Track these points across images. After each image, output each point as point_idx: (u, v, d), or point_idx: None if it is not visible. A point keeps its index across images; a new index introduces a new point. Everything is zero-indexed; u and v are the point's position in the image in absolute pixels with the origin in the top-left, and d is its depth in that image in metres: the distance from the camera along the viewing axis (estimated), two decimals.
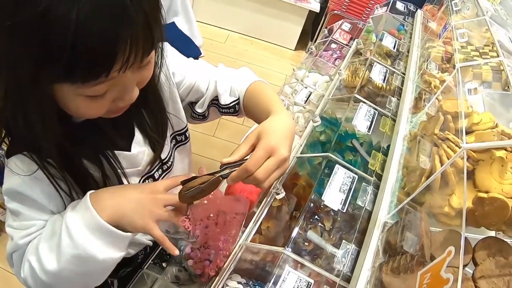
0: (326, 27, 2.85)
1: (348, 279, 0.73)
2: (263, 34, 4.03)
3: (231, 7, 3.83)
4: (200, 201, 0.73)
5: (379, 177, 0.93)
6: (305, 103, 1.68)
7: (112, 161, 0.72)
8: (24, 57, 0.48)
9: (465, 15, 1.24)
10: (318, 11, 3.75)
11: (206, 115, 0.92)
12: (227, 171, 0.68)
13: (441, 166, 0.73)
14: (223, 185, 1.01)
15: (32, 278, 0.64)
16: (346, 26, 2.39)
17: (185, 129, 0.92)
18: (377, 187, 0.91)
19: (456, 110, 0.81)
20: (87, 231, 0.60)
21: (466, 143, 0.63)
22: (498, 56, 0.88)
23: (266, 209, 0.85)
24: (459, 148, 0.70)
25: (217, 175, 0.67)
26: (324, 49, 2.15)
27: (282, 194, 0.86)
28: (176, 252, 0.67)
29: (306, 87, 1.83)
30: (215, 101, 0.90)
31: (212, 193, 0.72)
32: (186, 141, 0.94)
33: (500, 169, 0.75)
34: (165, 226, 0.75)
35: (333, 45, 2.18)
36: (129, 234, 0.64)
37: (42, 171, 0.63)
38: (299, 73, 1.95)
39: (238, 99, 0.89)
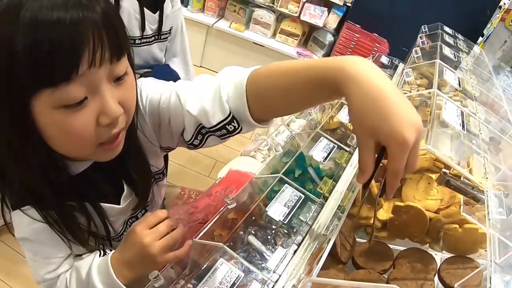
0: None
1: (276, 281, 0.80)
2: None
3: (237, 56, 4.08)
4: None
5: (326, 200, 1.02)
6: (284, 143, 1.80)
7: (101, 212, 0.80)
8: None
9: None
10: None
11: (197, 144, 0.77)
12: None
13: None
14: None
15: None
16: None
17: (163, 169, 0.97)
18: (322, 207, 1.00)
19: None
20: None
21: None
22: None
23: (219, 215, 0.94)
24: None
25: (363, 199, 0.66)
26: None
27: (233, 205, 0.95)
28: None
29: (291, 132, 1.96)
30: (202, 128, 0.73)
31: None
32: (164, 177, 1.01)
33: (426, 186, 0.84)
34: None
35: None
36: None
37: (45, 221, 0.71)
38: (285, 117, 2.09)
39: (230, 114, 0.68)
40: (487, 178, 0.70)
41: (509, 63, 1.81)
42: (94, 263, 0.76)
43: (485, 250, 0.72)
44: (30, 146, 0.58)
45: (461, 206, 0.71)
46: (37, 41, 0.49)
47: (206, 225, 0.93)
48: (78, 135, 0.58)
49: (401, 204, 0.75)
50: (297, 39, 3.93)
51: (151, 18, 1.38)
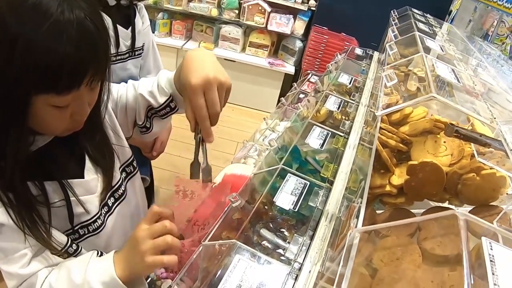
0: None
1: (299, 269, 0.75)
2: (243, 100, 4.23)
3: None
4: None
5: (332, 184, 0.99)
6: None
7: (67, 188, 0.80)
8: (22, 75, 0.61)
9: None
10: (293, 73, 3.99)
11: (148, 126, 0.97)
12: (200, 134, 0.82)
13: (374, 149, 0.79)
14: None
15: None
16: (314, 78, 2.57)
17: (131, 159, 1.01)
18: (329, 191, 0.96)
19: (388, 102, 0.89)
20: None
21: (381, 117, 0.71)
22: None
23: (225, 216, 0.89)
24: (383, 125, 0.77)
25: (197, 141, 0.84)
26: (296, 102, 2.29)
27: (237, 203, 0.91)
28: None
29: (277, 133, 1.93)
30: (151, 110, 0.93)
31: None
32: (135, 171, 1.03)
33: (434, 144, 0.82)
34: None
35: (302, 95, 2.33)
36: None
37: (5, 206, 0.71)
38: (269, 121, 2.07)
39: (171, 95, 0.89)
40: (495, 118, 0.68)
41: (480, 31, 1.84)
42: (93, 260, 0.77)
43: (506, 194, 0.70)
44: (13, 123, 0.66)
45: (475, 153, 0.69)
46: (68, 55, 0.61)
47: (212, 228, 0.88)
48: (55, 126, 0.72)
49: (416, 162, 0.72)
50: (267, 50, 3.97)
51: (124, 34, 1.35)
